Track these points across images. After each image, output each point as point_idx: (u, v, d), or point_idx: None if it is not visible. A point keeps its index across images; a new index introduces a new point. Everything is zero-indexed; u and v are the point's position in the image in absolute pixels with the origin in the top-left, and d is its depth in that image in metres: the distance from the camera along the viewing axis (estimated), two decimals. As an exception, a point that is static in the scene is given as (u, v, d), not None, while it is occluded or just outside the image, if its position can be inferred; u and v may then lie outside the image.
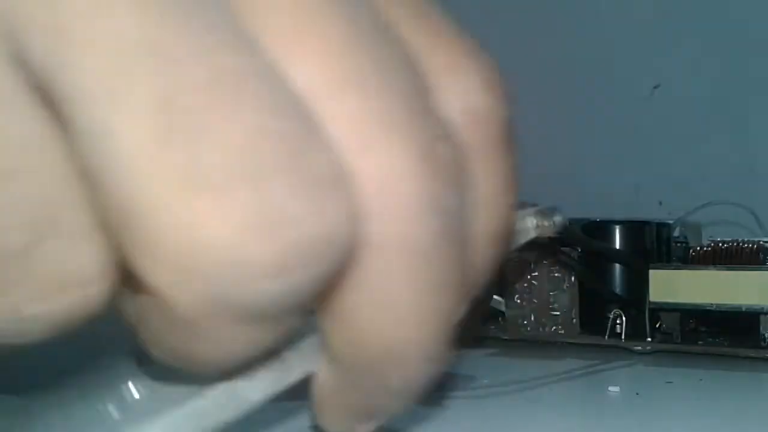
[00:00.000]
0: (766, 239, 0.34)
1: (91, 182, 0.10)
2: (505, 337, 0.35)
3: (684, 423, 0.24)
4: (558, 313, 0.35)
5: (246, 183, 0.10)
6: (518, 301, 0.35)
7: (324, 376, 0.14)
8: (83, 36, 0.10)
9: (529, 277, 0.35)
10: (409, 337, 0.13)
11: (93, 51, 0.10)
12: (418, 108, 0.12)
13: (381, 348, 0.13)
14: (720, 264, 0.33)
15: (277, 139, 0.10)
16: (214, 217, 0.10)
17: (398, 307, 0.12)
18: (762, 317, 0.31)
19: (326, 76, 0.11)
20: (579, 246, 0.34)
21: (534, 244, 0.30)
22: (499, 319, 0.36)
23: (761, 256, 0.34)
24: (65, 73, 0.10)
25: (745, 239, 0.34)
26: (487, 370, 0.31)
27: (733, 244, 0.34)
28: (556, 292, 0.35)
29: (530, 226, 0.23)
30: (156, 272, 0.10)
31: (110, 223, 0.10)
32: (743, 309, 0.31)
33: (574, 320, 0.35)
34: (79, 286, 0.11)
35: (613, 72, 0.55)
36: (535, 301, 0.35)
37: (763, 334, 0.31)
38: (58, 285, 0.11)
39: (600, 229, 0.36)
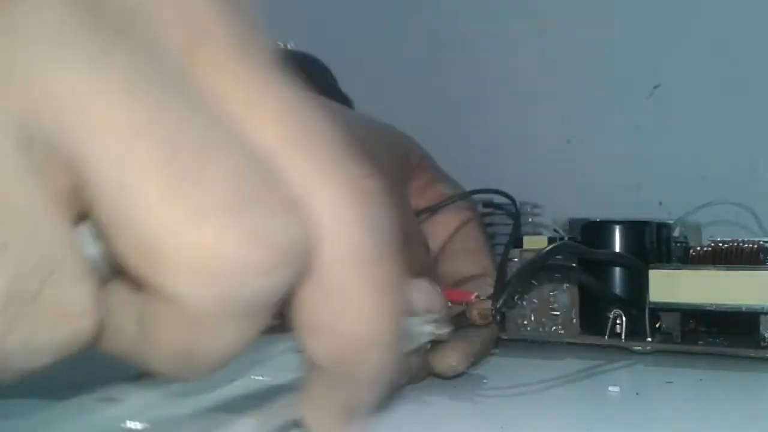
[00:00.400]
0: (766, 239, 0.34)
1: (100, 230, 0.14)
2: (505, 337, 0.35)
3: (684, 423, 0.24)
4: (558, 313, 0.35)
5: (237, 209, 0.14)
6: (518, 301, 0.35)
7: (308, 384, 0.17)
8: (97, 120, 0.13)
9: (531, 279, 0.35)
10: (368, 328, 0.16)
11: (106, 130, 0.13)
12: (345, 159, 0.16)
13: (349, 341, 0.16)
14: (720, 264, 0.33)
15: (255, 178, 0.14)
16: (220, 236, 0.13)
17: (356, 305, 0.16)
18: (762, 317, 0.31)
19: (279, 138, 0.15)
20: (578, 256, 0.34)
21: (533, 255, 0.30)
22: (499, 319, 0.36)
23: (761, 256, 0.34)
24: (83, 148, 0.13)
25: (745, 239, 0.34)
26: (488, 370, 0.31)
27: (733, 244, 0.34)
28: (556, 292, 0.35)
29: (425, 332, 0.26)
30: (177, 284, 0.14)
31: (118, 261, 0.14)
32: (743, 309, 0.31)
33: (574, 320, 0.35)
34: (76, 318, 0.14)
35: (613, 72, 0.55)
36: (535, 301, 0.35)
37: (763, 334, 0.31)
38: (61, 318, 0.14)
39: (600, 229, 0.36)
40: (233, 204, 0.14)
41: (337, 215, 0.15)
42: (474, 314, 0.28)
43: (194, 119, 0.14)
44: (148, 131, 0.13)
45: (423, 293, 0.26)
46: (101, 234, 0.14)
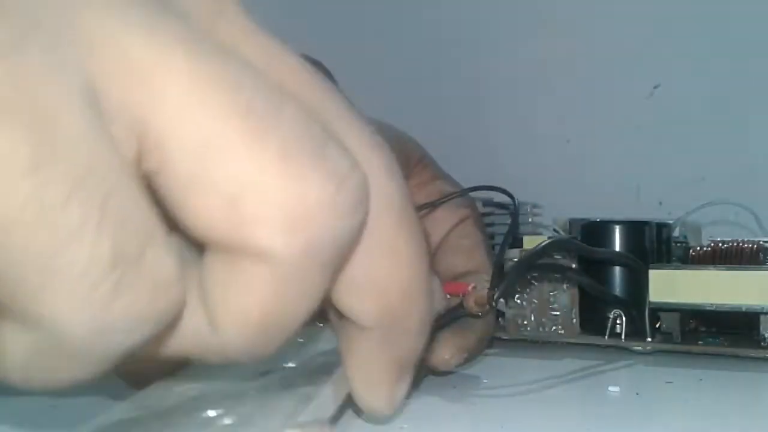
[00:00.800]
0: (766, 239, 0.34)
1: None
2: (505, 337, 0.35)
3: (684, 423, 0.24)
4: (558, 313, 0.35)
5: (316, 152, 0.14)
6: (518, 301, 0.35)
7: (357, 347, 0.18)
8: (167, 82, 0.13)
9: (529, 277, 0.35)
10: (413, 275, 0.17)
11: (177, 91, 0.13)
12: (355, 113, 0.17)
13: (397, 292, 0.16)
14: (720, 264, 0.33)
15: (316, 124, 0.14)
16: (306, 179, 0.14)
17: (401, 253, 0.16)
18: (762, 317, 0.31)
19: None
20: (577, 252, 0.34)
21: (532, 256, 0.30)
22: (499, 319, 0.35)
23: (761, 256, 0.34)
24: (154, 111, 0.13)
25: (745, 239, 0.34)
26: (487, 370, 0.31)
27: (733, 244, 0.34)
28: (556, 292, 0.35)
29: None
30: (268, 235, 0.14)
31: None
32: (743, 309, 0.31)
33: (574, 320, 0.35)
34: (171, 288, 0.14)
35: (613, 72, 0.55)
36: (535, 301, 0.35)
37: (763, 334, 0.31)
38: (159, 286, 0.13)
39: (600, 229, 0.36)
40: (312, 148, 0.14)
41: (367, 164, 0.15)
42: (471, 303, 0.28)
43: (249, 72, 0.14)
44: (219, 86, 0.13)
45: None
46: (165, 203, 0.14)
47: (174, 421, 0.18)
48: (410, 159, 0.35)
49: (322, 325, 0.29)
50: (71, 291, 0.12)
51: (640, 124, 0.55)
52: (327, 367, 0.20)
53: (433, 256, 0.34)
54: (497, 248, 0.38)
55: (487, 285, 0.29)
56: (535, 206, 0.43)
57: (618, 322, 0.34)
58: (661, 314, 0.34)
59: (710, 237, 0.36)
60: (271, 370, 0.21)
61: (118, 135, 0.13)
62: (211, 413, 0.17)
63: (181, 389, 0.20)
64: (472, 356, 0.29)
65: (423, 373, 0.28)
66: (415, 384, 0.28)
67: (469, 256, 0.33)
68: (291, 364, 0.21)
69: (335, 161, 0.14)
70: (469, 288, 0.28)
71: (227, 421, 0.17)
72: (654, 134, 0.54)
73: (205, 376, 0.20)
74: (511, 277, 0.29)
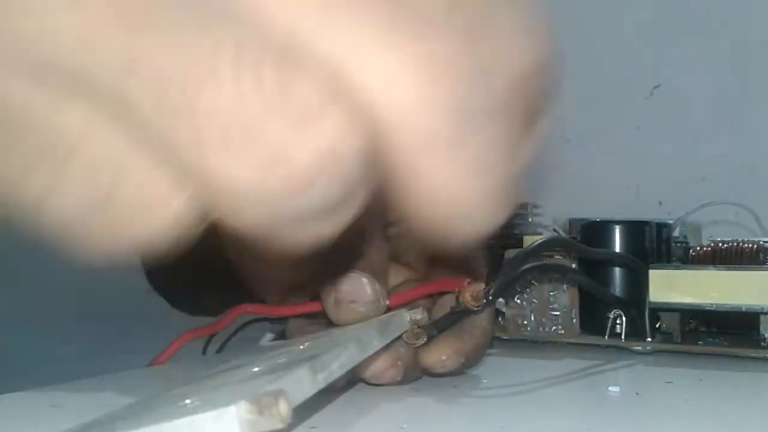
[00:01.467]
0: (766, 239, 0.34)
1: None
2: (505, 337, 0.35)
3: (684, 423, 0.24)
4: (558, 313, 0.35)
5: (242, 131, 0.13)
6: (518, 301, 0.35)
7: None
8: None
9: (529, 277, 0.35)
10: (472, 200, 0.15)
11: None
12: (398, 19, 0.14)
13: (456, 216, 0.15)
14: (720, 264, 0.33)
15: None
16: (233, 166, 0.13)
17: (454, 187, 0.15)
18: (762, 317, 0.31)
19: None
20: (574, 251, 0.34)
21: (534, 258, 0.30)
22: (499, 319, 0.36)
23: (761, 256, 0.34)
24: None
25: (745, 239, 0.34)
26: (487, 370, 0.30)
27: (733, 244, 0.34)
28: (556, 292, 0.35)
29: (404, 321, 0.26)
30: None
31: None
32: (743, 309, 0.31)
33: (574, 320, 0.35)
34: (162, 206, 0.14)
35: (613, 72, 0.55)
36: (535, 301, 0.35)
37: (763, 334, 0.31)
38: (145, 208, 0.14)
39: (600, 229, 0.36)
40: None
41: (394, 101, 0.14)
42: (467, 297, 0.27)
43: None
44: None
45: (353, 283, 0.27)
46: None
47: (152, 409, 0.19)
48: None
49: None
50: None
51: (640, 124, 0.54)
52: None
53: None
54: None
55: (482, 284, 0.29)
56: (535, 206, 0.43)
57: (618, 322, 0.34)
58: (661, 314, 0.34)
59: (710, 237, 0.36)
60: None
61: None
62: (187, 401, 0.18)
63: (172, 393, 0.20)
64: (469, 363, 0.29)
65: (419, 374, 0.28)
66: (409, 381, 0.28)
67: (467, 254, 0.33)
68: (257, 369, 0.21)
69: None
70: (465, 283, 0.28)
71: (194, 402, 0.17)
72: (654, 134, 0.54)
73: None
74: (504, 272, 0.29)
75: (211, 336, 0.34)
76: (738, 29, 0.52)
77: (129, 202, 0.14)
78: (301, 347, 0.24)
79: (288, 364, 0.19)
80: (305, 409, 0.22)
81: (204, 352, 0.34)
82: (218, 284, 0.34)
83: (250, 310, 0.32)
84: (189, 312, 0.38)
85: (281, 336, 0.32)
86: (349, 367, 0.20)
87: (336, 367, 0.19)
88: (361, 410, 0.25)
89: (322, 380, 0.18)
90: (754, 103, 0.51)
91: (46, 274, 0.72)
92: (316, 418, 0.23)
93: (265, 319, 0.33)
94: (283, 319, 0.32)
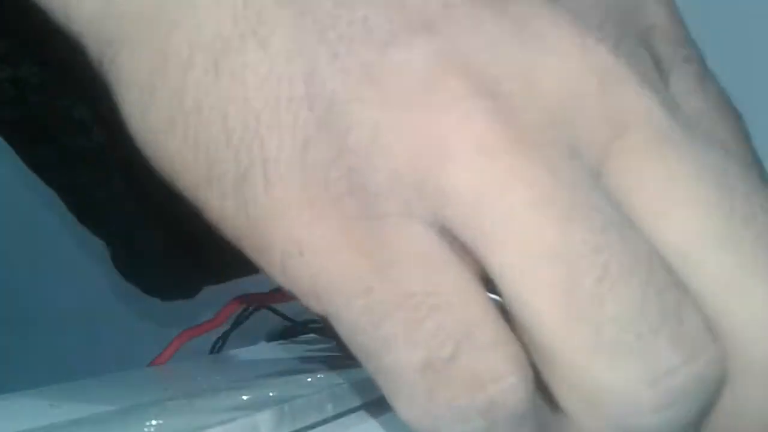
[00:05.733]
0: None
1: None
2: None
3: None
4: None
5: (635, 343, 0.13)
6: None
7: None
8: (501, 237, 0.14)
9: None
10: None
11: (509, 248, 0.14)
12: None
13: None
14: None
15: (658, 301, 0.14)
16: (613, 373, 0.14)
17: None
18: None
19: (700, 232, 0.14)
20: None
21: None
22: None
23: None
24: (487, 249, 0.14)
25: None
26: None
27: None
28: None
29: None
30: (568, 398, 0.14)
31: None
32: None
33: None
34: (494, 381, 0.14)
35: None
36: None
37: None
38: (477, 380, 0.14)
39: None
40: (628, 338, 0.14)
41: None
42: None
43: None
44: (554, 255, 0.14)
45: None
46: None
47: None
48: None
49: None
50: None
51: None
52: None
53: None
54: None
55: None
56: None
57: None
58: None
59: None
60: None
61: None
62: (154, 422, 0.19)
63: None
64: None
65: None
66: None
67: None
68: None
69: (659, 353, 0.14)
70: None
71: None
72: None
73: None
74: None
75: (226, 337, 0.34)
76: (737, 30, 0.52)
77: (467, 371, 0.14)
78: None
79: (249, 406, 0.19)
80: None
81: (212, 351, 0.34)
82: (186, 264, 0.33)
83: (246, 300, 0.32)
84: (162, 297, 0.37)
85: (281, 336, 0.32)
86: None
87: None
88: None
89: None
90: (754, 104, 0.51)
91: (46, 274, 0.72)
92: None
93: (266, 307, 0.33)
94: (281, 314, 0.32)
